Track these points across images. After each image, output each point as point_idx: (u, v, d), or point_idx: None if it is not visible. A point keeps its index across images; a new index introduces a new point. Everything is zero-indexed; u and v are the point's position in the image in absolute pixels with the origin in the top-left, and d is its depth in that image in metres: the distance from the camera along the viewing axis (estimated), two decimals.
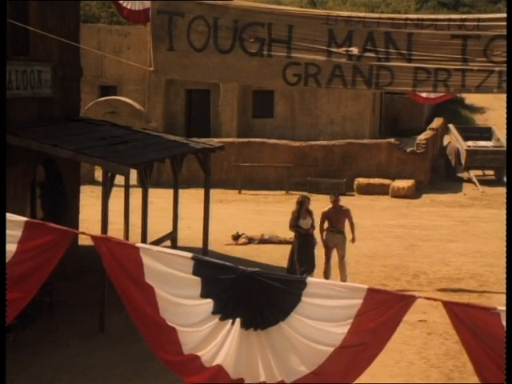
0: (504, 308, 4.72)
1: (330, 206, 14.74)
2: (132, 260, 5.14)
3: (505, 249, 18.28)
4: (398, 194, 25.19)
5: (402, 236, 19.79)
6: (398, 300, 4.86)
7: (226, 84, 31.11)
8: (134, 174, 16.29)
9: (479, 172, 28.82)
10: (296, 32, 10.03)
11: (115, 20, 41.36)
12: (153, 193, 21.42)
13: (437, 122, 32.14)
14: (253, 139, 28.01)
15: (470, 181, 28.05)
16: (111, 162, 11.80)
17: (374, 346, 4.98)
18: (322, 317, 4.96)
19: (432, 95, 15.62)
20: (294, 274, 13.90)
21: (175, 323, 5.19)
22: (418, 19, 10.16)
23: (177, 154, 14.04)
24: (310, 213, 14.59)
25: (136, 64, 23.67)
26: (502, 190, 26.88)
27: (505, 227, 21.07)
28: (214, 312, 5.10)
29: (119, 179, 16.86)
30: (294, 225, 14.47)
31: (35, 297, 13.21)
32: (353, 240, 14.90)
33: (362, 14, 10.08)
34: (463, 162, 28.33)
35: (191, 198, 23.43)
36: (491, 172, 28.81)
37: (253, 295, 5.02)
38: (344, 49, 9.89)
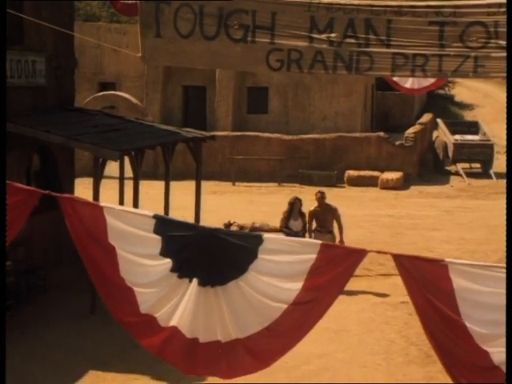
0: (453, 260, 4.74)
1: (316, 204, 13.99)
2: (96, 220, 5.13)
3: (488, 236, 18.37)
4: (387, 186, 25.22)
5: (389, 225, 19.82)
6: (350, 254, 4.89)
7: (220, 82, 31.22)
8: (129, 166, 16.29)
9: (466, 165, 28.84)
10: (279, 19, 10.02)
11: (115, 19, 41.34)
12: (149, 184, 21.51)
13: (426, 118, 32.17)
14: (246, 133, 28.05)
15: (457, 173, 28.09)
16: (102, 147, 11.80)
17: (325, 302, 5.01)
18: (277, 273, 4.97)
19: (416, 86, 15.58)
20: None
21: (134, 283, 5.17)
22: (396, 6, 10.15)
23: (168, 141, 14.03)
24: (302, 215, 13.94)
25: (126, 51, 23.63)
26: (488, 182, 26.98)
27: (490, 216, 21.16)
28: (172, 270, 5.09)
29: (115, 171, 16.91)
30: (284, 226, 13.86)
31: (30, 280, 13.27)
32: (340, 242, 13.72)
33: (343, 1, 10.06)
34: (451, 155, 28.38)
35: (185, 190, 23.38)
36: (478, 165, 28.85)
37: (211, 253, 5.02)
38: (325, 35, 9.89)
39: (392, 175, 25.69)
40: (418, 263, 4.80)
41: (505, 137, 27.89)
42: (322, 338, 11.62)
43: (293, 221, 13.76)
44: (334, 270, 4.86)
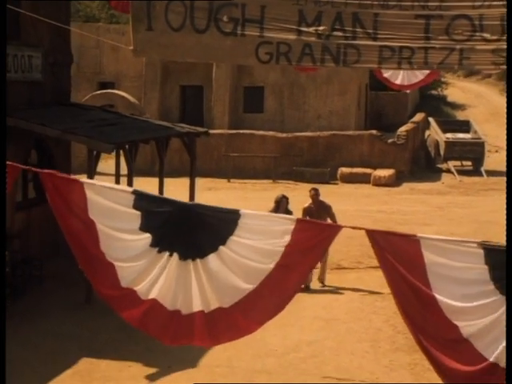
0: (424, 235, 4.75)
1: (310, 201, 13.66)
2: (76, 195, 5.14)
3: (478, 231, 18.36)
4: (379, 183, 25.24)
5: (380, 220, 19.81)
6: (325, 229, 4.93)
7: (217, 81, 31.23)
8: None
9: (457, 163, 28.86)
10: (268, 12, 10.05)
11: (114, 20, 41.36)
12: (145, 181, 21.37)
13: (418, 117, 32.20)
14: (242, 131, 28.06)
15: (448, 171, 28.10)
16: (96, 140, 11.81)
17: (305, 267, 5.03)
18: (259, 236, 5.00)
19: (406, 82, 15.55)
20: None
21: (114, 257, 5.19)
22: (383, 0, 10.18)
23: (162, 135, 14.03)
24: (288, 213, 13.37)
25: (124, 46, 23.61)
26: (479, 180, 27.00)
27: (479, 212, 21.15)
28: (152, 245, 5.11)
29: (111, 168, 16.88)
30: None
31: (26, 271, 13.27)
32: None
33: None
34: (442, 153, 28.40)
35: (180, 186, 23.33)
36: (469, 163, 28.86)
37: (191, 227, 5.04)
38: (313, 28, 9.92)
39: (384, 172, 25.71)
40: (391, 238, 4.83)
41: (495, 136, 28.08)
42: (312, 327, 11.66)
43: None
44: (312, 240, 4.90)
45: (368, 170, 25.91)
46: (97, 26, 34.80)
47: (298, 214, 13.51)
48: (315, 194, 13.59)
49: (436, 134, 29.48)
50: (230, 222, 4.98)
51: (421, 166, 28.72)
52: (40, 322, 11.67)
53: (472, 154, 28.16)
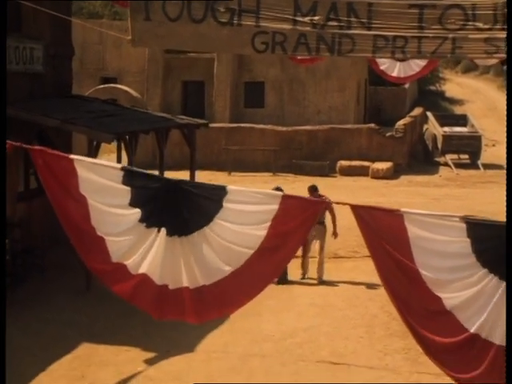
0: (408, 209, 4.75)
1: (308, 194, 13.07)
2: (67, 171, 5.15)
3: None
4: (378, 175, 25.21)
5: None
6: (311, 205, 4.91)
7: (218, 77, 31.21)
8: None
9: (455, 156, 28.82)
10: (264, 2, 10.04)
11: (117, 18, 41.34)
12: None
13: (417, 111, 32.15)
14: (242, 124, 28.04)
15: (446, 164, 28.07)
16: (96, 130, 11.80)
17: (288, 249, 5.03)
18: (242, 220, 5.00)
19: (402, 75, 15.55)
20: None
21: (104, 232, 5.20)
22: None
23: (162, 126, 14.02)
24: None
25: (116, 34, 23.59)
26: (476, 173, 26.96)
27: (475, 204, 21.12)
28: (141, 220, 5.12)
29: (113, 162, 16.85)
30: None
31: (27, 259, 13.27)
32: (334, 234, 13.31)
33: None
34: (440, 146, 28.36)
35: (181, 178, 23.43)
36: (466, 156, 28.82)
37: (178, 203, 5.04)
38: (308, 18, 9.91)
39: (382, 165, 25.68)
40: (375, 213, 4.83)
41: (493, 131, 28.05)
42: (308, 313, 11.66)
43: None
44: (296, 219, 4.89)
45: (366, 163, 25.89)
46: (100, 23, 34.77)
47: None
48: (313, 188, 13.47)
49: (434, 127, 29.45)
50: (215, 201, 4.98)
51: (419, 159, 28.69)
52: (40, 309, 11.68)
53: (469, 148, 28.12)
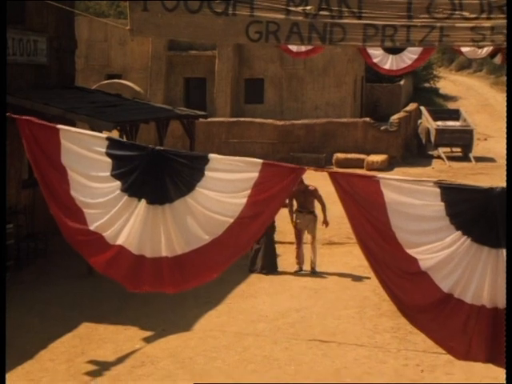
0: (384, 175, 4.74)
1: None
2: (51, 141, 5.10)
3: None
4: (373, 168, 25.16)
5: None
6: (290, 172, 4.88)
7: (219, 74, 31.19)
8: None
9: (447, 149, 28.76)
10: None
11: (122, 17, 41.32)
12: None
13: (411, 106, 32.08)
14: (242, 118, 28.01)
15: (439, 157, 28.00)
16: (97, 119, 11.79)
17: (266, 216, 5.01)
18: (222, 189, 4.97)
19: (394, 67, 15.51)
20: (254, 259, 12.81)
21: (84, 203, 5.13)
22: None
23: (161, 116, 14.01)
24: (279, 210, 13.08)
25: (113, 19, 23.54)
26: (468, 165, 26.89)
27: None
28: (123, 190, 5.06)
29: None
30: None
31: (31, 244, 13.29)
32: (325, 223, 12.91)
33: None
34: (433, 140, 28.27)
35: None
36: (458, 149, 28.76)
37: (160, 172, 4.99)
38: (301, 8, 9.90)
39: (377, 158, 25.66)
40: (352, 179, 4.81)
41: (485, 126, 27.91)
42: (302, 295, 11.65)
43: None
44: (275, 187, 4.86)
45: (362, 156, 25.86)
46: (105, 21, 34.72)
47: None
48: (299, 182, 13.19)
49: (427, 121, 29.37)
50: (197, 170, 4.95)
51: (413, 152, 28.63)
52: (44, 290, 11.70)
53: (461, 141, 28.04)
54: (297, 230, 12.94)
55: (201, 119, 18.84)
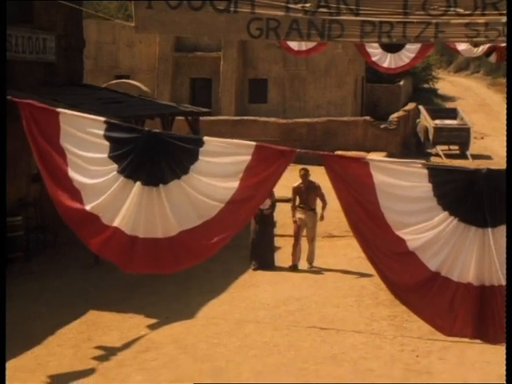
0: (373, 157, 4.73)
1: (300, 181, 12.59)
2: (51, 124, 5.09)
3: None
4: None
5: None
6: (281, 154, 4.87)
7: (224, 74, 31.22)
8: None
9: (445, 147, 28.73)
10: None
11: (130, 20, 41.31)
12: None
13: (410, 106, 32.06)
14: (245, 117, 28.03)
15: (437, 155, 27.98)
16: (103, 114, 11.78)
17: (257, 199, 5.00)
18: (216, 173, 4.95)
19: (393, 66, 15.49)
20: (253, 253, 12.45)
21: (81, 184, 5.11)
22: None
23: (166, 112, 14.02)
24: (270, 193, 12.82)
25: (121, 21, 23.50)
26: (465, 162, 26.83)
27: None
28: (119, 172, 5.04)
29: None
30: None
31: (41, 235, 13.31)
32: (321, 218, 12.65)
33: None
34: (431, 138, 28.26)
35: None
36: (456, 147, 28.73)
37: (155, 154, 4.98)
38: (300, 5, 9.90)
39: (377, 155, 25.61)
40: (343, 162, 4.81)
41: (482, 125, 27.80)
42: (302, 285, 11.66)
43: None
44: (266, 170, 4.85)
45: (362, 153, 25.74)
46: (113, 24, 34.82)
47: (288, 191, 12.88)
48: (304, 174, 12.65)
49: (425, 120, 29.34)
50: (192, 152, 4.93)
51: (411, 150, 28.60)
52: (52, 279, 11.73)
53: (458, 139, 28.01)
54: (296, 226, 12.59)
55: (206, 118, 18.92)
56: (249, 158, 4.85)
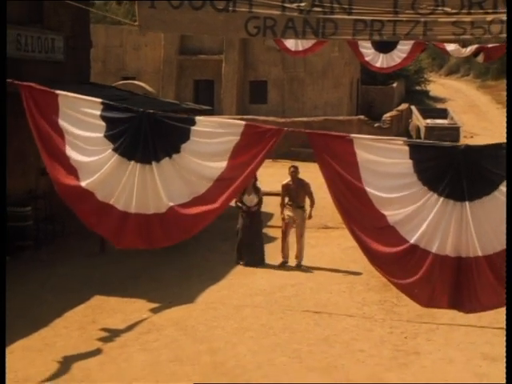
0: (357, 135, 4.73)
1: (289, 178, 12.01)
2: (50, 105, 5.13)
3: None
4: None
5: None
6: (269, 132, 4.88)
7: (226, 76, 31.24)
8: None
9: None
10: None
11: (137, 25, 41.30)
12: None
13: (403, 106, 32.06)
14: (245, 116, 28.00)
15: None
16: None
17: (244, 177, 5.01)
18: (205, 153, 4.96)
19: (385, 65, 15.49)
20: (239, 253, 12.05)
21: (78, 162, 5.13)
22: None
23: (167, 109, 14.00)
24: (256, 190, 12.02)
25: (129, 22, 23.44)
26: None
27: None
28: (114, 150, 5.06)
29: None
30: (239, 201, 11.91)
31: (49, 226, 13.32)
32: (309, 216, 12.09)
33: None
34: (423, 136, 28.25)
35: None
36: None
37: (149, 132, 5.00)
38: (296, 4, 9.91)
39: None
40: (327, 139, 4.81)
41: (472, 125, 27.82)
42: (297, 273, 11.66)
43: (247, 195, 11.89)
44: (255, 147, 4.85)
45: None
46: (121, 29, 34.89)
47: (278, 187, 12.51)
48: (294, 172, 12.08)
49: (417, 120, 29.34)
50: (183, 131, 4.95)
51: None
52: (59, 267, 11.74)
53: (449, 138, 27.91)
54: (284, 224, 12.12)
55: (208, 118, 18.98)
56: (238, 137, 4.86)
